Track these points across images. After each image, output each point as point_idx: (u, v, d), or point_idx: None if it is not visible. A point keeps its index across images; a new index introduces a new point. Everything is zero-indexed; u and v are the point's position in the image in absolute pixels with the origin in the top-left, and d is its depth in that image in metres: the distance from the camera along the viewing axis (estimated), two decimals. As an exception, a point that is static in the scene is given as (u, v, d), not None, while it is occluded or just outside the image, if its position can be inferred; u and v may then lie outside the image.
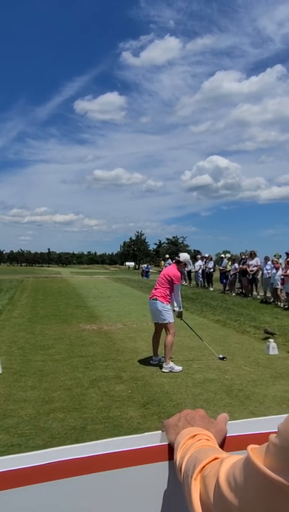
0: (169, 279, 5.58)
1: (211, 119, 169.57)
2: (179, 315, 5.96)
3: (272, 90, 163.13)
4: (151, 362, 5.75)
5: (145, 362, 5.79)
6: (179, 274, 5.72)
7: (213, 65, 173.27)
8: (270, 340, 6.53)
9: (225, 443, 0.66)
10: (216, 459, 0.51)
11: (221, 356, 5.95)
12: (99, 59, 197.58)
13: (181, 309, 5.95)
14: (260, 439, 0.65)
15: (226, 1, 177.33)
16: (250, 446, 0.43)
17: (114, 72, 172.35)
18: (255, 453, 0.42)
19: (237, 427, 0.68)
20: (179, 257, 5.90)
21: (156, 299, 5.57)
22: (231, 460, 0.47)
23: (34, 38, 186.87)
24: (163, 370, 5.36)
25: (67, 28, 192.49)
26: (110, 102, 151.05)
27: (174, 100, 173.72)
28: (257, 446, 0.43)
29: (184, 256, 5.88)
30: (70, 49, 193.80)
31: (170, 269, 5.79)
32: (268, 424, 0.67)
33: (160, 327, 5.70)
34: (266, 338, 7.00)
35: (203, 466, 0.51)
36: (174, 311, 5.78)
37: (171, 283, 5.58)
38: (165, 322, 5.54)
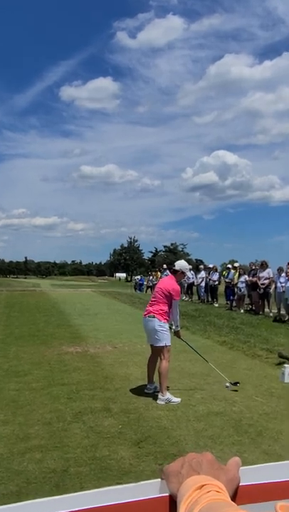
0: (167, 293, 5.56)
1: (217, 108, 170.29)
2: (177, 334, 5.95)
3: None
4: (146, 391, 5.71)
5: (139, 391, 5.75)
6: (178, 287, 5.73)
7: (218, 49, 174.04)
8: (286, 365, 6.52)
9: (238, 494, 0.63)
10: None
11: (228, 384, 5.92)
12: (89, 40, 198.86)
13: (179, 328, 5.94)
14: (281, 489, 0.62)
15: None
16: (280, 504, 0.40)
17: (106, 56, 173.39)
18: None
19: (252, 474, 0.65)
20: (174, 266, 5.90)
21: (153, 317, 5.54)
22: None
23: (13, 17, 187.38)
24: (158, 401, 5.32)
25: (53, 4, 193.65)
26: (103, 87, 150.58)
27: (174, 88, 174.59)
28: (288, 504, 0.40)
29: (179, 264, 5.87)
30: (55, 28, 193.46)
31: (167, 282, 5.78)
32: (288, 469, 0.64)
33: (157, 350, 5.67)
34: (281, 363, 6.99)
35: None
36: (170, 327, 5.73)
37: (169, 298, 5.56)
38: (160, 345, 5.51)
